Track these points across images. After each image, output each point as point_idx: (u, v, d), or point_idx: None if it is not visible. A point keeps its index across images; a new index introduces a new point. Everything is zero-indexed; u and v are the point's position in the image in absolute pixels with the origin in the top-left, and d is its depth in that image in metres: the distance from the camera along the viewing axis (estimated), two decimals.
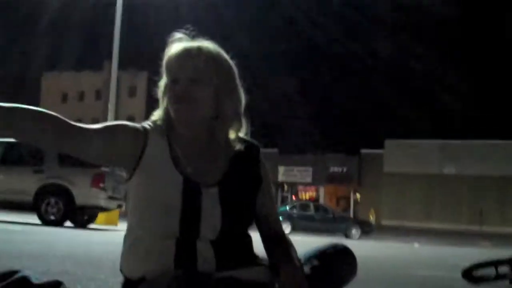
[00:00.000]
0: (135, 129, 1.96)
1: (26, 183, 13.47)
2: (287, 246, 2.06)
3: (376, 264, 8.32)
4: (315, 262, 2.03)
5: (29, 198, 13.39)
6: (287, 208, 27.88)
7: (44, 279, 1.70)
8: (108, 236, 10.83)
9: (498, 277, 5.49)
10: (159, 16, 50.36)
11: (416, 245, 20.61)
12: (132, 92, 63.29)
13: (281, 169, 46.60)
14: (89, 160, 1.96)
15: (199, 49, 1.95)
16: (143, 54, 54.14)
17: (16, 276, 1.68)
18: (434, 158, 43.90)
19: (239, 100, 2.01)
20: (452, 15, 60.15)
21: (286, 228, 24.80)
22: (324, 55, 63.23)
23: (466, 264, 5.88)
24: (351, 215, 41.84)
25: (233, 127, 2.01)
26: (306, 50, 63.23)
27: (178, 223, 1.86)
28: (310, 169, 47.22)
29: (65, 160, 13.60)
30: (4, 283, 1.63)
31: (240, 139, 2.05)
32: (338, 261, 2.05)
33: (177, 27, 2.05)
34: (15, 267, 3.99)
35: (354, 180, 46.72)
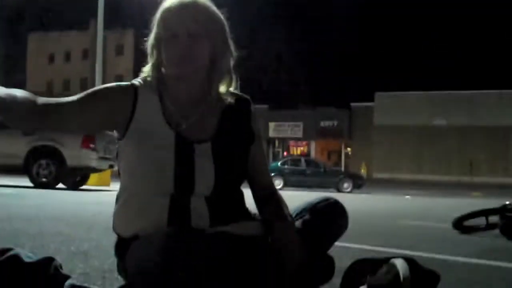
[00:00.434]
0: (122, 89, 1.94)
1: (16, 146, 13.39)
2: (279, 201, 2.06)
3: (368, 216, 8.39)
4: (307, 217, 2.04)
5: (20, 161, 13.34)
6: (279, 163, 27.96)
7: (35, 257, 1.69)
8: (101, 197, 10.85)
9: (489, 226, 5.56)
10: None
11: (407, 197, 20.82)
12: (119, 51, 62.69)
13: (271, 125, 46.64)
14: (76, 131, 1.94)
15: (196, 3, 1.92)
16: (129, 11, 53.48)
17: (7, 254, 1.65)
18: (424, 110, 44.00)
19: (231, 54, 2.01)
20: None
21: (278, 183, 24.95)
22: (313, 8, 62.62)
23: (457, 214, 5.95)
24: (343, 169, 42.06)
25: (225, 81, 2.01)
26: (295, 3, 62.55)
27: (172, 180, 1.86)
28: (301, 124, 47.27)
29: None
30: None
31: (231, 93, 2.04)
32: (329, 215, 2.06)
33: None
34: (7, 229, 4.01)
35: (345, 134, 46.85)
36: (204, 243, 1.74)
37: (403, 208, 11.75)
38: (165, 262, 1.67)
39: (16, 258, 1.65)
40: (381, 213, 9.75)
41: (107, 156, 14.03)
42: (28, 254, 1.70)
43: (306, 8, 63.44)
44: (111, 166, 14.58)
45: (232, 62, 2.03)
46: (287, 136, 47.91)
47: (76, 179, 14.59)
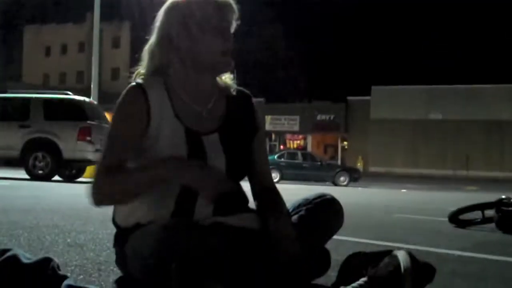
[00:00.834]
0: (135, 98, 1.94)
1: (13, 138, 13.38)
2: (276, 195, 2.09)
3: (364, 210, 8.41)
4: (303, 212, 2.07)
5: (16, 153, 13.33)
6: (275, 157, 27.95)
7: (33, 258, 1.69)
8: None
9: (484, 220, 5.57)
10: None
11: (403, 190, 20.85)
12: (115, 43, 62.50)
13: (268, 118, 46.58)
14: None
15: (232, 1, 2.02)
16: (125, 4, 53.30)
17: (5, 255, 1.66)
18: (420, 103, 43.97)
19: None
20: None
21: (275, 177, 24.90)
22: (310, 1, 62.50)
23: (453, 208, 5.96)
24: (339, 162, 42.07)
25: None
26: None
27: None
28: (297, 117, 47.23)
29: (51, 114, 13.51)
30: None
31: (232, 87, 2.10)
32: (326, 211, 2.10)
33: None
34: (4, 221, 4.00)
35: (341, 128, 46.82)
36: (200, 235, 1.75)
37: (399, 202, 11.77)
38: (161, 252, 1.69)
39: (14, 259, 1.65)
40: (377, 206, 9.76)
41: None
42: (26, 255, 1.70)
43: (302, 2, 63.31)
44: None
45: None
46: (284, 129, 47.86)
47: (72, 171, 14.58)
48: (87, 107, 13.92)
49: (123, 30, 61.70)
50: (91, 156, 13.56)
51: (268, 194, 2.09)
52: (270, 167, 2.64)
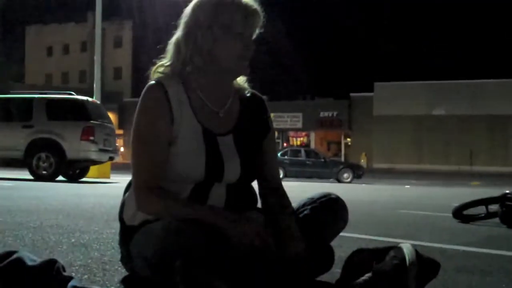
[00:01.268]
0: (156, 98, 1.96)
1: (16, 138, 13.39)
2: (282, 195, 2.12)
3: (368, 206, 8.40)
4: (308, 211, 2.09)
5: (19, 153, 13.34)
6: (279, 154, 27.98)
7: (38, 260, 1.69)
8: (101, 189, 10.85)
9: (488, 215, 5.56)
10: None
11: (407, 186, 20.83)
12: (117, 43, 62.48)
13: (271, 115, 46.54)
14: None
15: (259, 10, 2.03)
16: (127, 3, 53.29)
17: (10, 258, 1.66)
18: (423, 99, 43.93)
19: None
20: None
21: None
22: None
23: (457, 203, 5.96)
24: (342, 159, 42.05)
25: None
26: None
27: (204, 169, 1.93)
28: (300, 115, 47.23)
29: (54, 114, 13.51)
30: None
31: (246, 89, 2.15)
32: (330, 211, 2.11)
33: None
34: (8, 222, 4.01)
35: (345, 124, 46.81)
36: (204, 233, 1.75)
37: (403, 198, 11.76)
38: (165, 251, 1.71)
39: (19, 262, 1.65)
40: (381, 202, 9.76)
41: (107, 148, 14.01)
42: (32, 257, 1.70)
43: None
44: (111, 158, 14.56)
45: None
46: (287, 127, 47.86)
47: (76, 171, 14.58)
48: (90, 107, 13.92)
49: (125, 30, 61.69)
50: (94, 156, 13.57)
51: (275, 195, 2.11)
52: None
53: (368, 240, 3.81)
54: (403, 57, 57.59)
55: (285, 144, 46.62)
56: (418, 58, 57.75)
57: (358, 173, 27.08)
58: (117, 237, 2.11)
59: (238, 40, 1.98)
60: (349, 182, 25.78)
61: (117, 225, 2.09)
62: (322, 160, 27.96)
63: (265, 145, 2.13)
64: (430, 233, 4.60)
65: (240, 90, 2.12)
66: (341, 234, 2.25)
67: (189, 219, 1.81)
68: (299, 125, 47.68)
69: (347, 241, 3.38)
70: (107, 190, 10.33)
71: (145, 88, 1.98)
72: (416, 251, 1.87)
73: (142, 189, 1.92)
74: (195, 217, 1.82)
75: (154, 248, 1.74)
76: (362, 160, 41.22)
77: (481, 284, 2.43)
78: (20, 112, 13.83)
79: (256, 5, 2.01)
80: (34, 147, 13.32)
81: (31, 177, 13.36)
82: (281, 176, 19.38)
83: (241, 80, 2.12)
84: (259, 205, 2.14)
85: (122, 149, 37.92)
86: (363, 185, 22.29)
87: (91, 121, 13.46)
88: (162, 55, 2.07)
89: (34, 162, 13.29)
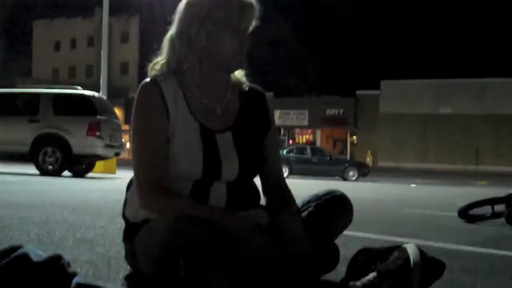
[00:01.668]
0: (153, 95, 1.95)
1: (22, 133, 13.42)
2: (286, 192, 2.11)
3: (373, 205, 8.40)
4: (312, 209, 2.08)
5: (26, 148, 13.38)
6: (284, 152, 27.92)
7: (44, 255, 1.69)
8: (106, 184, 10.88)
9: (494, 215, 5.55)
10: None
11: (413, 185, 20.79)
12: (124, 38, 62.55)
13: (277, 113, 46.49)
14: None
15: (255, 2, 2.00)
16: None
17: (15, 254, 1.66)
18: (429, 98, 43.79)
19: None
20: None
21: (284, 171, 24.79)
22: None
23: (463, 203, 5.94)
24: (348, 157, 42.01)
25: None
26: None
27: (201, 167, 1.91)
28: (306, 112, 47.15)
29: (60, 109, 13.54)
30: (3, 261, 1.63)
31: (246, 84, 2.11)
32: (335, 208, 2.10)
33: None
34: (14, 217, 4.02)
35: (351, 122, 46.71)
36: (207, 230, 1.74)
37: (409, 197, 11.74)
38: (169, 247, 1.70)
39: (24, 257, 1.66)
40: (387, 201, 9.75)
41: (113, 143, 14.03)
42: (37, 252, 1.70)
43: None
44: (117, 154, 14.59)
45: None
46: (293, 124, 47.80)
47: (82, 166, 14.62)
48: (96, 102, 13.94)
49: (132, 25, 61.74)
50: (100, 151, 13.60)
51: (279, 192, 2.09)
52: None
53: (373, 239, 3.80)
54: (409, 55, 57.41)
55: (291, 142, 46.59)
56: (425, 56, 57.58)
57: (364, 171, 27.06)
58: (122, 233, 2.11)
59: (233, 34, 1.95)
60: (355, 180, 25.77)
61: (122, 221, 2.09)
62: (328, 158, 27.95)
63: (267, 142, 2.11)
64: (435, 233, 4.59)
65: (238, 85, 2.09)
66: (346, 232, 2.25)
67: (192, 216, 1.81)
68: (305, 122, 47.60)
69: (352, 240, 3.38)
70: (113, 185, 10.36)
71: (139, 86, 1.97)
72: (421, 251, 1.87)
73: (144, 186, 1.91)
74: (199, 214, 1.82)
75: (158, 245, 1.73)
76: (368, 158, 41.17)
77: (486, 285, 2.42)
78: (27, 107, 13.87)
79: None
80: (40, 142, 13.36)
81: (37, 172, 13.40)
82: (286, 173, 19.41)
83: (239, 74, 2.09)
84: (262, 202, 2.13)
85: (128, 144, 37.98)
86: (369, 183, 22.27)
87: (98, 116, 13.48)
88: (158, 52, 2.05)
89: (40, 157, 13.32)
